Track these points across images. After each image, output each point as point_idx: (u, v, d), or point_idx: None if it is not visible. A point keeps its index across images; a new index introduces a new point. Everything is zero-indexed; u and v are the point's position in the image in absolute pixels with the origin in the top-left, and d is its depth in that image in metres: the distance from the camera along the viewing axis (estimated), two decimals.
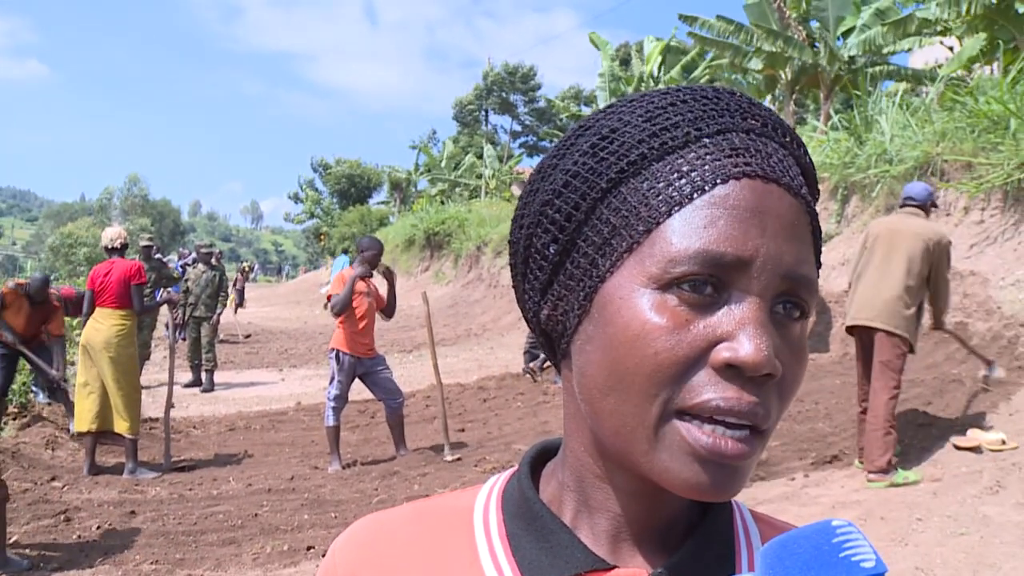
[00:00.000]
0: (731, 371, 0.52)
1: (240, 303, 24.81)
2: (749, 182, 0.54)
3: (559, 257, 0.59)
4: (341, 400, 6.89)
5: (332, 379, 6.90)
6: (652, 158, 0.56)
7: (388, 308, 7.15)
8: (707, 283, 0.53)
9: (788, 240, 0.54)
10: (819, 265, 0.59)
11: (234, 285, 25.85)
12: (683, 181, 0.54)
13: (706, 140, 0.56)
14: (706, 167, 0.54)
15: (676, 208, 0.54)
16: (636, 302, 0.54)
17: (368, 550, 0.66)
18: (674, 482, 0.53)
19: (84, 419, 6.55)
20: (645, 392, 0.53)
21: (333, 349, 6.88)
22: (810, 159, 0.62)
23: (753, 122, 0.58)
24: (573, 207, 0.58)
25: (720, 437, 0.51)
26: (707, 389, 0.52)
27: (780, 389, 0.54)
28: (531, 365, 10.42)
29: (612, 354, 0.54)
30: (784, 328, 0.55)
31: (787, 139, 0.60)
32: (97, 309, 6.69)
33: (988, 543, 4.21)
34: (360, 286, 6.83)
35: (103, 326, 6.59)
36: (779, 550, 0.43)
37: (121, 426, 6.54)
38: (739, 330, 0.52)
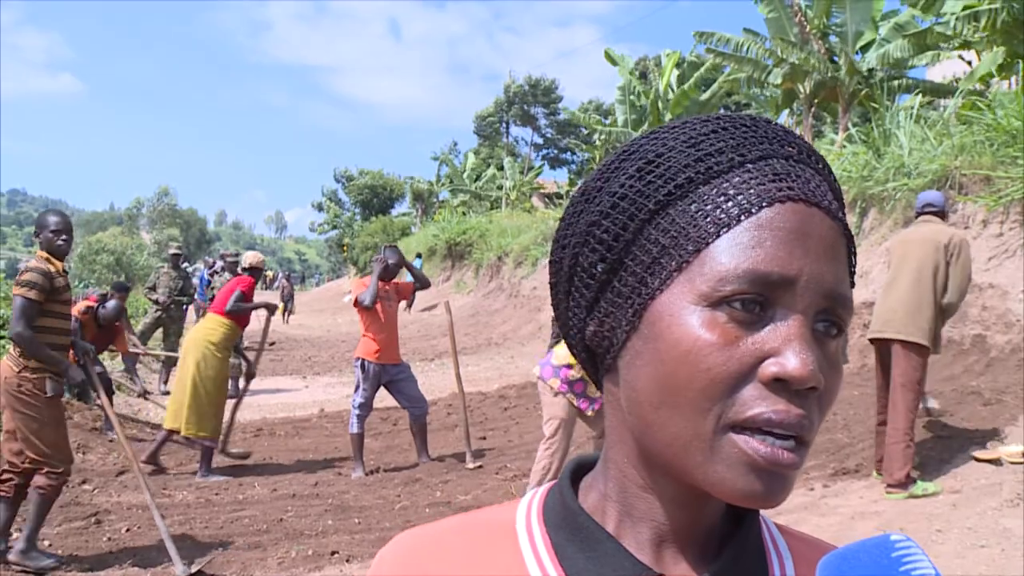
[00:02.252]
0: (778, 385, 0.53)
1: (288, 309, 25.17)
2: (793, 205, 0.56)
3: (606, 276, 0.61)
4: (366, 408, 6.92)
5: (357, 387, 6.92)
6: (699, 181, 0.58)
7: (421, 282, 7.29)
8: (755, 301, 0.54)
9: (829, 261, 0.56)
10: (853, 284, 0.60)
11: (281, 294, 26.08)
12: (730, 204, 0.56)
13: (749, 165, 0.58)
14: (752, 191, 0.56)
15: (724, 229, 0.56)
16: (687, 319, 0.55)
17: (414, 561, 0.67)
18: (729, 491, 0.54)
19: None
20: (698, 406, 0.54)
21: (358, 358, 6.91)
22: (838, 184, 0.64)
23: (790, 149, 0.60)
24: (621, 227, 0.59)
25: (775, 448, 0.53)
26: (758, 403, 0.53)
27: (821, 401, 0.56)
28: None
29: (664, 369, 0.56)
30: (823, 344, 0.56)
31: (820, 166, 0.62)
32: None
33: (1009, 556, 4.16)
34: (381, 292, 6.88)
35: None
36: (839, 563, 0.43)
37: (188, 429, 6.78)
38: (786, 346, 0.53)
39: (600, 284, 0.61)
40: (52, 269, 4.59)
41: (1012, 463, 5.30)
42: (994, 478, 5.20)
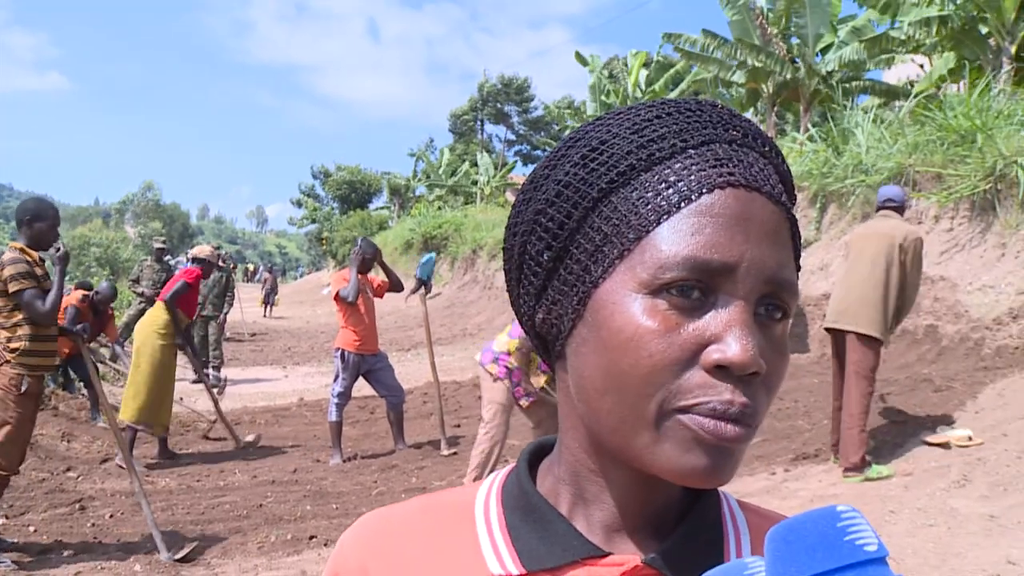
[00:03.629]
0: (721, 371, 0.52)
1: (271, 302, 24.67)
2: (733, 191, 0.55)
3: (553, 263, 0.60)
4: (344, 397, 6.90)
5: (336, 377, 6.89)
6: (640, 169, 0.56)
7: (393, 284, 7.24)
8: (695, 288, 0.53)
9: (771, 246, 0.55)
10: (799, 268, 0.59)
11: (263, 287, 25.61)
12: (670, 191, 0.55)
13: (691, 151, 0.56)
14: (692, 177, 0.55)
15: (664, 217, 0.54)
16: (628, 307, 0.54)
17: (376, 541, 0.66)
18: (675, 469, 0.53)
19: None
20: (641, 393, 0.53)
21: (339, 348, 6.87)
22: (787, 167, 0.62)
23: (735, 133, 0.59)
24: (565, 216, 0.58)
25: (719, 423, 0.52)
26: (701, 391, 0.52)
27: (766, 385, 0.55)
28: None
29: (607, 356, 0.55)
30: (767, 328, 0.55)
31: (766, 148, 0.60)
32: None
33: (955, 533, 4.24)
34: (361, 284, 6.86)
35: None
36: (786, 533, 0.43)
37: (124, 413, 6.69)
38: (726, 332, 0.52)
39: (547, 272, 0.60)
40: (29, 259, 4.44)
41: (960, 447, 5.39)
42: (943, 461, 5.28)
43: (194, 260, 7.64)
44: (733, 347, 0.52)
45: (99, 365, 9.57)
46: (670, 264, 0.53)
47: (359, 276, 6.86)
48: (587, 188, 0.57)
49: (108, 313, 8.72)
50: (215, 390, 10.19)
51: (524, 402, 5.29)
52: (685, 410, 0.53)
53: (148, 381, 6.66)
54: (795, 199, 0.62)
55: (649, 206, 0.55)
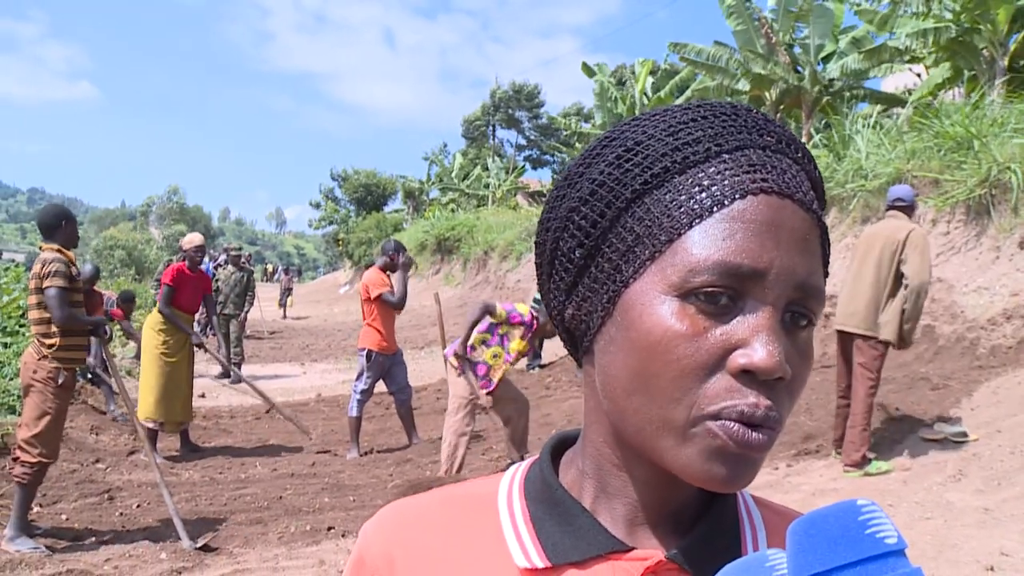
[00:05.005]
0: (747, 375, 0.52)
1: (285, 304, 24.13)
2: (765, 197, 0.54)
3: (584, 261, 0.59)
4: (367, 395, 6.94)
5: (360, 375, 6.91)
6: (675, 171, 0.55)
7: (398, 301, 7.12)
8: (724, 293, 0.52)
9: (800, 253, 0.54)
10: (827, 275, 0.58)
11: (280, 287, 25.13)
12: (704, 195, 0.54)
13: (725, 156, 0.55)
14: (726, 182, 0.54)
15: (697, 221, 0.53)
16: (657, 309, 0.53)
17: (400, 532, 0.65)
18: (697, 474, 0.53)
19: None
20: (669, 395, 0.52)
21: (366, 349, 6.88)
22: (819, 173, 0.61)
23: (769, 139, 0.58)
24: (599, 215, 0.57)
25: (746, 430, 0.52)
26: (728, 396, 0.51)
27: (789, 390, 0.54)
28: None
29: (635, 357, 0.54)
30: (793, 335, 0.54)
31: (799, 155, 0.59)
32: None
33: (951, 526, 4.24)
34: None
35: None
36: (808, 527, 0.42)
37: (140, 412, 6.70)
38: (753, 337, 0.51)
39: (578, 269, 0.59)
40: (67, 259, 4.55)
41: (956, 442, 5.38)
42: (940, 457, 5.27)
43: (182, 252, 7.28)
44: (760, 352, 0.51)
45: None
46: (701, 268, 0.52)
47: (386, 277, 6.86)
48: (621, 188, 0.56)
49: (97, 296, 8.13)
50: (235, 384, 10.26)
51: (485, 392, 5.34)
52: (715, 416, 0.52)
53: (155, 380, 6.68)
54: (825, 204, 0.61)
55: (682, 209, 0.54)
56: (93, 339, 7.92)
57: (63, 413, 4.61)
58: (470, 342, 5.25)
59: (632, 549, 0.59)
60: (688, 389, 0.52)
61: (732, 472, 0.52)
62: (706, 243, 0.52)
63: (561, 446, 0.68)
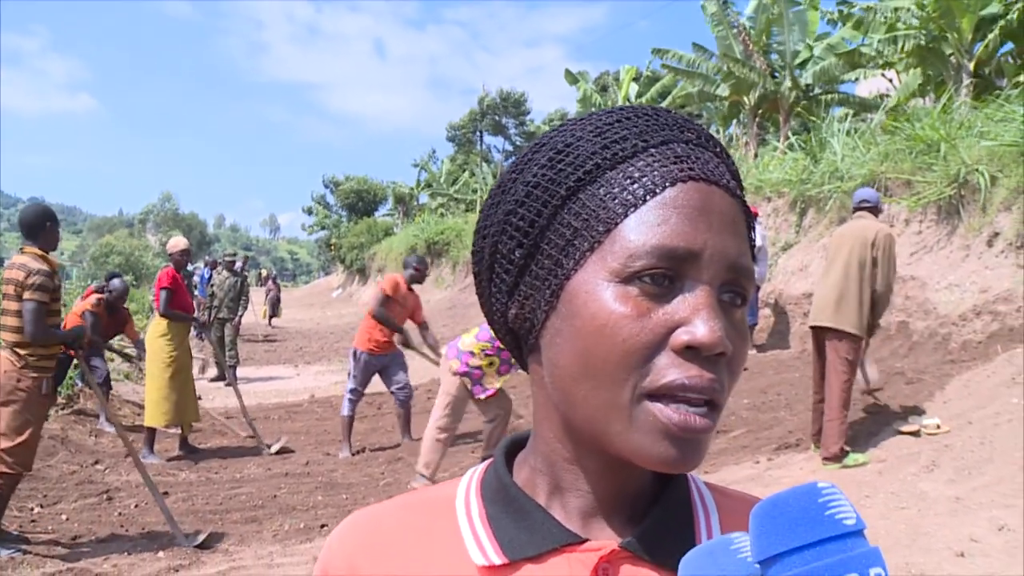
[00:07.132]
0: (690, 352, 0.53)
1: (274, 313, 22.64)
2: (695, 184, 0.55)
3: (524, 260, 0.59)
4: (356, 394, 6.95)
5: (349, 374, 6.96)
6: (605, 167, 0.57)
7: (391, 323, 7.03)
8: (663, 275, 0.54)
9: (731, 235, 0.56)
10: (754, 258, 0.59)
11: (267, 295, 23.85)
12: (636, 186, 0.55)
13: (652, 150, 0.57)
14: (655, 172, 0.55)
15: (632, 209, 0.55)
16: (601, 294, 0.54)
17: (362, 538, 0.65)
18: (647, 458, 0.54)
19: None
20: (615, 377, 0.53)
21: (353, 347, 6.93)
22: (736, 167, 0.62)
23: (690, 135, 0.59)
24: (536, 214, 0.58)
25: (688, 414, 0.52)
26: (671, 371, 0.53)
27: (730, 366, 0.55)
28: None
29: (582, 343, 0.55)
30: (729, 313, 0.56)
31: (718, 149, 0.61)
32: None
33: (924, 514, 4.28)
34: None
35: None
36: (770, 509, 0.43)
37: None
38: (695, 315, 0.53)
39: (519, 269, 0.60)
40: (50, 269, 4.28)
41: (929, 434, 5.43)
42: (914, 448, 5.32)
43: (170, 257, 7.19)
44: (701, 329, 0.52)
45: (127, 362, 9.39)
46: (639, 253, 0.53)
47: (404, 285, 6.86)
48: (555, 187, 0.58)
49: (124, 312, 7.99)
50: (229, 386, 10.21)
51: (482, 396, 5.34)
52: (656, 393, 0.53)
53: (168, 386, 6.64)
54: (743, 194, 0.63)
55: (616, 200, 0.55)
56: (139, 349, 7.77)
57: (41, 423, 4.42)
58: (470, 348, 5.26)
59: (586, 541, 0.59)
60: (633, 369, 0.53)
61: (681, 453, 0.53)
62: (642, 229, 0.54)
63: (515, 448, 0.69)
